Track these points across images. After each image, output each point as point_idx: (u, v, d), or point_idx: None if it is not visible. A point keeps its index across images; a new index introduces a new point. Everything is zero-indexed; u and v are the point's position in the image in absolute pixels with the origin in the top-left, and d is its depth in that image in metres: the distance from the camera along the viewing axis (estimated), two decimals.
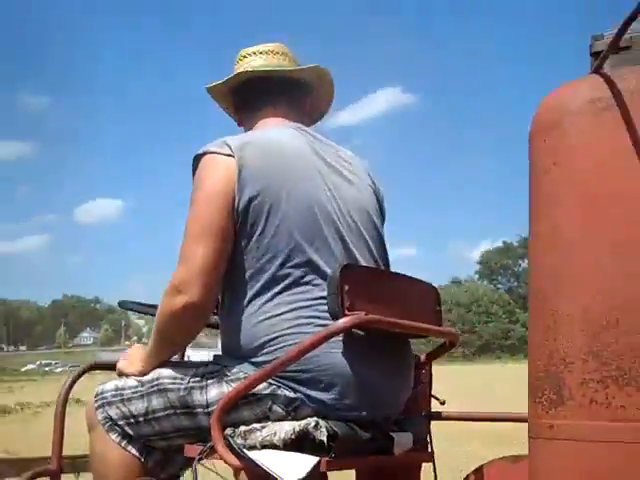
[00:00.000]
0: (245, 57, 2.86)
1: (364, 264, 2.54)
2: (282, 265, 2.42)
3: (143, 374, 2.54)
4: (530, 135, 1.86)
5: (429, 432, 2.83)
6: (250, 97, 2.82)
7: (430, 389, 2.95)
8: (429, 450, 2.78)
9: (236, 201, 2.42)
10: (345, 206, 2.58)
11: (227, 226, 2.41)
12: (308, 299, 2.41)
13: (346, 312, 2.25)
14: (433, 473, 2.81)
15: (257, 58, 2.83)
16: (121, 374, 2.61)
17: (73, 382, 2.78)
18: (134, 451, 2.53)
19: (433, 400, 2.98)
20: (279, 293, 2.42)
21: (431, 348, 2.79)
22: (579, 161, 1.76)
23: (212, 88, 2.89)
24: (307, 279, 2.42)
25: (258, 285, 2.43)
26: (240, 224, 2.43)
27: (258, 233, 2.43)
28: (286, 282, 2.42)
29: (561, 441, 1.69)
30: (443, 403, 2.94)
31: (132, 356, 2.62)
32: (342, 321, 2.22)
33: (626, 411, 1.61)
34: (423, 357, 2.80)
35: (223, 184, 2.43)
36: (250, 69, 2.80)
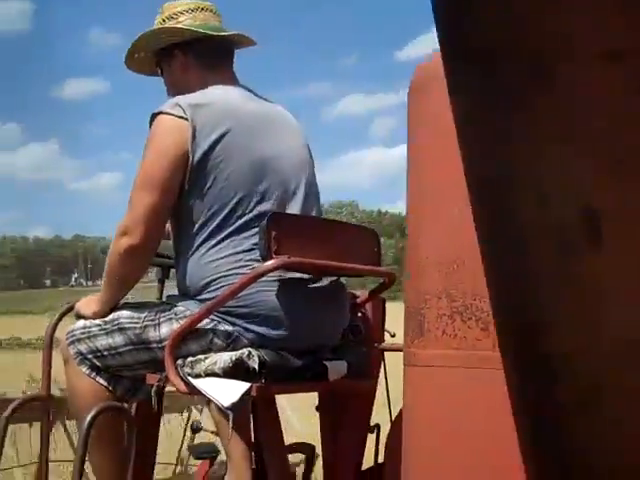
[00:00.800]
0: (185, 12, 2.98)
1: (302, 213, 2.81)
2: (228, 215, 2.72)
3: (98, 316, 2.87)
4: (407, 95, 2.08)
5: (383, 363, 3.13)
6: (206, 56, 3.03)
7: (383, 323, 3.23)
8: (379, 380, 3.07)
9: (190, 159, 2.70)
10: (288, 160, 2.84)
11: (171, 181, 2.71)
12: (249, 245, 2.70)
13: (273, 256, 2.53)
14: (387, 403, 3.12)
15: (199, 14, 2.99)
16: (78, 316, 2.94)
17: (59, 319, 3.13)
18: (102, 381, 2.86)
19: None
20: (224, 240, 2.72)
21: None
22: (443, 121, 1.98)
23: (150, 39, 3.01)
24: (249, 227, 2.71)
25: (206, 233, 2.73)
26: (192, 179, 2.72)
27: (207, 187, 2.72)
28: (230, 230, 2.72)
29: (421, 367, 1.95)
30: (393, 336, 3.21)
31: (89, 299, 2.96)
32: (267, 263, 2.52)
33: (467, 341, 1.87)
34: (364, 295, 3.06)
35: (172, 143, 2.71)
36: (211, 32, 3.00)
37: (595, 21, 0.89)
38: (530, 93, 0.93)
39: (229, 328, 2.66)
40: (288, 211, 2.77)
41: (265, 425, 2.79)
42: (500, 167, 1.04)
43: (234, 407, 2.48)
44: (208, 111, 2.76)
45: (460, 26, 0.95)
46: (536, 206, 1.01)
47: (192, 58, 3.01)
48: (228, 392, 2.50)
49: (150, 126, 2.81)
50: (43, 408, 3.12)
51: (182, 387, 2.59)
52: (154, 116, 2.80)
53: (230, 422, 2.50)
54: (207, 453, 3.34)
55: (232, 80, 3.02)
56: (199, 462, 3.43)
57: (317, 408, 3.17)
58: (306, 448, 3.34)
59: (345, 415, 3.06)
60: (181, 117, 2.73)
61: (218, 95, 2.87)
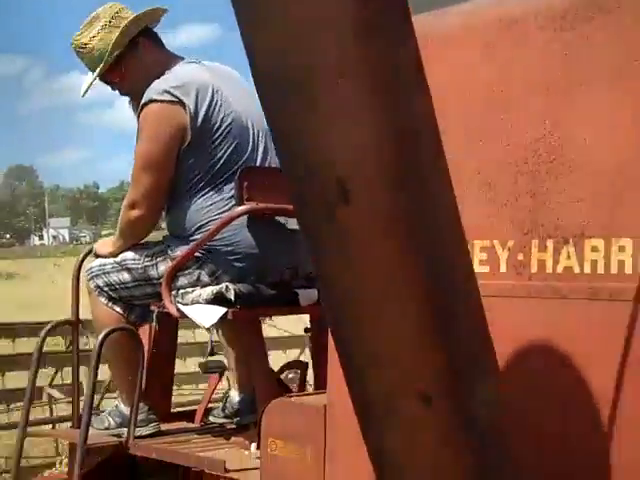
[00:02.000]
0: (122, 10, 3.42)
1: (268, 163, 3.30)
2: (216, 174, 3.25)
3: (111, 256, 3.44)
4: None
5: None
6: (157, 37, 3.52)
7: None
8: None
9: (186, 135, 3.22)
10: (258, 120, 3.32)
11: (168, 162, 3.26)
12: (232, 195, 3.21)
13: (244, 202, 3.04)
14: None
15: (125, 8, 3.46)
16: (97, 254, 3.51)
17: (83, 258, 3.70)
18: (118, 309, 3.44)
19: None
20: (210, 191, 3.26)
21: None
22: None
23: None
24: (232, 181, 3.21)
25: (196, 189, 3.27)
26: (186, 149, 3.23)
27: (199, 151, 3.25)
28: (217, 184, 3.24)
29: None
30: None
31: (106, 242, 3.54)
32: (239, 209, 3.04)
33: None
34: None
35: (167, 127, 3.25)
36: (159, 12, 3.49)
37: None
38: None
39: (213, 267, 3.20)
40: (258, 162, 3.27)
41: (250, 341, 3.34)
42: None
43: (212, 326, 3.05)
44: (191, 89, 3.25)
45: None
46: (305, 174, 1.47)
47: (152, 41, 3.50)
48: (209, 316, 3.05)
49: (139, 114, 3.30)
50: (73, 331, 3.72)
51: (175, 312, 3.16)
52: (144, 105, 3.28)
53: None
54: (216, 368, 3.92)
55: (174, 55, 3.50)
56: None
57: (306, 330, 3.68)
58: (300, 365, 3.88)
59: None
60: (172, 101, 3.22)
61: (187, 73, 3.36)
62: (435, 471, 1.58)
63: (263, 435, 2.73)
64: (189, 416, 3.93)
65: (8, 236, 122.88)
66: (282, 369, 3.84)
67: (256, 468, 2.78)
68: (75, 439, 3.27)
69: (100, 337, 3.23)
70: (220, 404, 3.85)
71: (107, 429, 3.53)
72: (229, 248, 3.19)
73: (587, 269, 1.85)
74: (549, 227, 1.92)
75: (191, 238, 3.26)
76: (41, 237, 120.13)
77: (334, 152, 1.38)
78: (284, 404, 2.75)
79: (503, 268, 2.00)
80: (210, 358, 4.01)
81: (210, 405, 3.97)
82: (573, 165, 1.88)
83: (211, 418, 3.79)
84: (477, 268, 2.05)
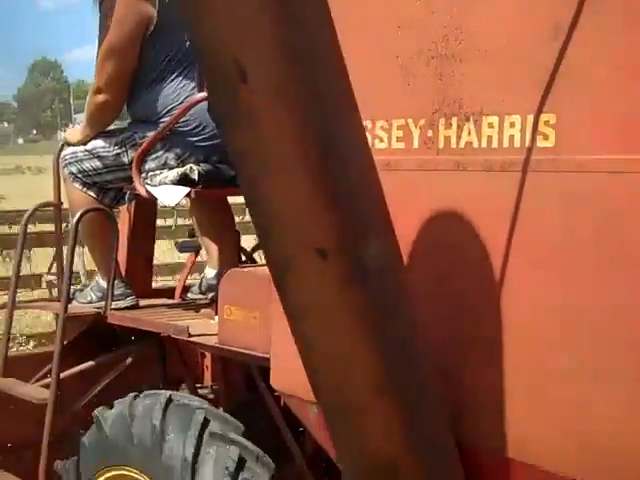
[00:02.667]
0: None
1: None
2: (180, 61, 3.47)
3: (80, 143, 3.65)
4: None
5: None
6: None
7: None
8: None
9: (148, 25, 3.39)
10: None
11: (131, 47, 3.44)
12: (193, 82, 3.42)
13: (204, 89, 3.23)
14: None
15: None
16: (67, 143, 3.72)
17: (60, 149, 3.90)
18: (92, 193, 3.67)
19: None
20: (176, 77, 3.47)
21: None
22: None
23: None
24: (193, 70, 3.41)
25: (161, 76, 3.49)
26: (150, 38, 3.43)
27: (163, 42, 3.45)
28: (181, 70, 3.43)
29: None
30: None
31: (75, 130, 3.74)
32: (198, 95, 3.24)
33: None
34: None
35: (132, 17, 3.39)
36: None
37: None
38: None
39: (179, 150, 3.42)
40: None
41: (219, 220, 3.59)
42: None
43: (176, 204, 3.29)
44: None
45: None
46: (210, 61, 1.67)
47: None
48: (173, 195, 3.29)
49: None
50: (56, 213, 3.97)
51: (144, 193, 3.40)
52: None
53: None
54: (191, 247, 4.19)
55: None
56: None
57: None
58: None
59: None
60: None
61: None
62: (335, 313, 1.82)
63: (220, 302, 3.01)
64: (169, 293, 4.21)
65: (35, 132, 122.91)
66: (254, 249, 4.09)
67: (217, 334, 3.06)
68: (57, 310, 3.55)
69: (76, 217, 3.48)
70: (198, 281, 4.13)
71: (90, 302, 3.81)
72: (193, 131, 3.40)
73: (484, 144, 2.06)
74: (454, 106, 2.12)
75: (157, 122, 3.47)
76: None
77: (229, 35, 1.58)
78: (238, 274, 3.01)
79: (416, 144, 2.21)
80: (187, 239, 4.29)
81: (189, 283, 4.26)
82: (475, 51, 2.07)
83: (189, 295, 4.06)
84: (394, 145, 2.27)
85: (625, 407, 1.80)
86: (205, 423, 2.83)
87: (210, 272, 3.95)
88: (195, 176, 3.32)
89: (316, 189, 1.72)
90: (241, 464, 2.75)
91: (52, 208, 4.03)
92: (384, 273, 1.84)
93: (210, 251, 3.89)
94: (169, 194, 3.30)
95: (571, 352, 1.89)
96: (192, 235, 4.57)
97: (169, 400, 2.96)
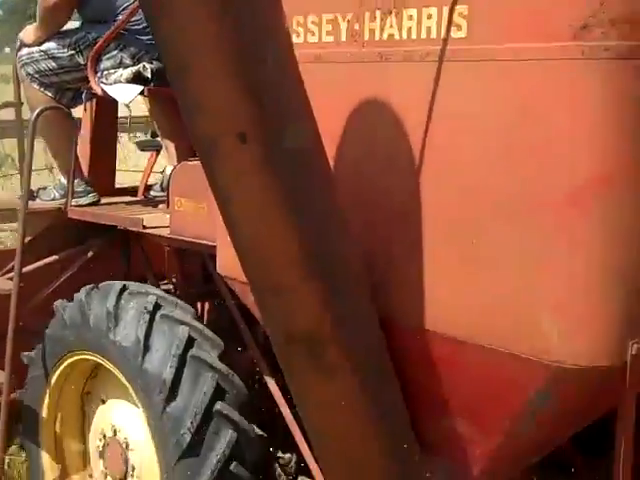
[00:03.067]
0: None
1: None
2: None
3: (35, 43, 3.70)
4: None
5: None
6: None
7: None
8: None
9: None
10: None
11: None
12: None
13: None
14: None
15: None
16: (22, 43, 3.77)
17: (21, 45, 3.94)
18: (50, 93, 3.74)
19: None
20: None
21: None
22: None
23: None
24: None
25: None
26: None
27: None
28: None
29: None
30: None
31: (29, 30, 3.77)
32: None
33: None
34: None
35: None
36: None
37: None
38: None
39: (134, 49, 3.49)
40: None
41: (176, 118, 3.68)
42: None
43: (130, 101, 3.38)
44: None
45: None
46: None
47: None
48: (127, 93, 3.38)
49: None
50: (16, 112, 4.05)
51: (100, 92, 3.49)
52: None
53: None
54: (151, 146, 4.29)
55: None
56: None
57: None
58: None
59: None
60: None
61: None
62: (256, 195, 1.95)
63: (171, 195, 3.13)
64: (132, 192, 4.33)
65: None
66: None
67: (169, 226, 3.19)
68: (19, 206, 3.66)
69: (34, 114, 3.55)
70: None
71: (53, 200, 3.92)
72: (146, 29, 3.45)
73: (404, 36, 2.15)
74: (378, 0, 2.20)
75: (110, 22, 3.52)
76: None
77: None
78: (187, 167, 3.13)
79: (344, 37, 2.30)
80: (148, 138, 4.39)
81: (152, 182, 4.37)
82: None
83: (151, 192, 4.18)
84: (325, 38, 2.36)
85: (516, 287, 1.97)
86: (156, 306, 2.99)
87: (170, 169, 4.06)
88: (148, 74, 3.40)
89: (235, 75, 1.83)
90: (190, 343, 2.91)
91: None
92: (302, 157, 1.97)
93: (169, 149, 3.98)
94: (123, 92, 3.39)
95: (479, 234, 2.04)
96: (154, 135, 4.66)
97: (123, 288, 3.11)
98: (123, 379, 3.09)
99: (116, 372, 3.12)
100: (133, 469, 3.22)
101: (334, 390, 2.17)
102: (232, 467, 2.84)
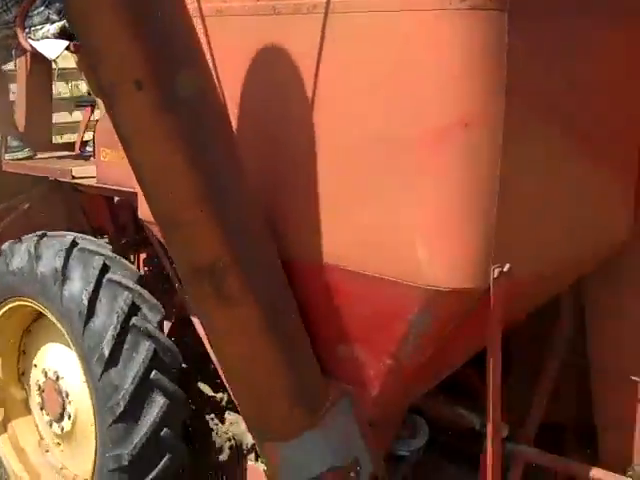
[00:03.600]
0: None
1: None
2: None
3: None
4: None
5: None
6: None
7: None
8: None
9: None
10: None
11: None
12: None
13: None
14: None
15: None
16: None
17: None
18: None
19: None
20: None
21: None
22: None
23: None
24: None
25: None
26: None
27: None
28: None
29: None
30: None
31: None
32: None
33: None
34: None
35: None
36: None
37: None
38: None
39: (59, 5, 3.62)
40: None
41: None
42: None
43: (57, 56, 3.51)
44: None
45: None
46: None
47: None
48: (54, 49, 3.51)
49: None
50: None
51: (28, 47, 3.62)
52: None
53: None
54: (86, 102, 4.42)
55: None
56: None
57: None
58: None
59: None
60: None
61: None
62: (154, 139, 2.12)
63: (96, 146, 3.29)
64: (69, 147, 4.45)
65: None
66: None
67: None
68: None
69: None
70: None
71: None
72: None
73: None
74: None
75: None
76: None
77: None
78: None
79: None
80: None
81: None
82: None
83: (87, 148, 4.31)
84: None
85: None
86: (104, 269, 3.07)
87: None
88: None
89: (130, 27, 1.98)
90: (133, 311, 3.00)
91: None
92: (197, 102, 2.14)
93: (100, 103, 4.12)
94: (50, 47, 3.52)
95: (362, 172, 2.23)
96: (89, 93, 4.78)
97: (73, 244, 3.17)
98: (65, 335, 3.19)
99: (59, 326, 3.21)
100: (69, 416, 3.37)
101: (236, 318, 2.36)
102: (163, 433, 2.99)
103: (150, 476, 2.98)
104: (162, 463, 3.00)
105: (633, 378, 2.71)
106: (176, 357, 3.09)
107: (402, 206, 2.14)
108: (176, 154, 2.12)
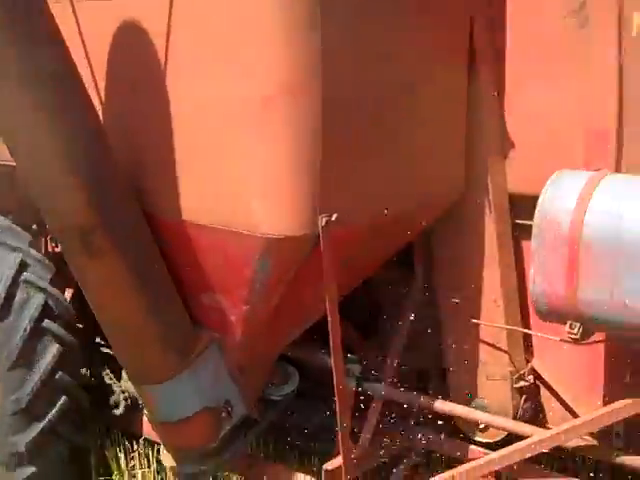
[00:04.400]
0: None
1: None
2: None
3: None
4: None
5: None
6: None
7: None
8: None
9: None
10: None
11: None
12: None
13: None
14: None
15: None
16: None
17: None
18: None
19: None
20: None
21: None
22: None
23: None
24: None
25: None
26: None
27: None
28: None
29: None
30: None
31: None
32: None
33: None
34: None
35: None
36: None
37: None
38: None
39: None
40: None
41: None
42: None
43: None
44: None
45: None
46: None
47: None
48: None
49: None
50: None
51: None
52: None
53: None
54: None
55: None
56: None
57: None
58: None
59: None
60: None
61: None
62: (17, 114, 2.40)
63: None
64: None
65: None
66: None
67: None
68: None
69: None
70: None
71: None
72: None
73: None
74: None
75: None
76: None
77: None
78: None
79: None
80: None
81: None
82: None
83: None
84: None
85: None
86: None
87: None
88: None
89: None
90: (23, 268, 3.21)
91: None
92: (57, 78, 2.42)
93: None
94: None
95: (204, 134, 2.52)
96: None
97: None
98: None
99: None
100: None
101: (105, 272, 2.64)
102: (57, 376, 3.23)
103: (49, 417, 3.22)
104: (59, 404, 3.24)
105: (473, 321, 3.05)
106: (67, 308, 3.33)
107: (239, 163, 2.44)
108: (40, 126, 2.40)
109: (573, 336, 2.45)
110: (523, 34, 2.85)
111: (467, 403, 3.11)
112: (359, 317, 3.53)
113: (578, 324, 2.43)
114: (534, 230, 2.49)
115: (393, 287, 3.37)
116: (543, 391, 3.12)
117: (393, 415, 3.28)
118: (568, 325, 2.45)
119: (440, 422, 3.20)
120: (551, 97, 2.81)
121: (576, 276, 2.38)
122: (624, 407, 2.60)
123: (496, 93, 2.90)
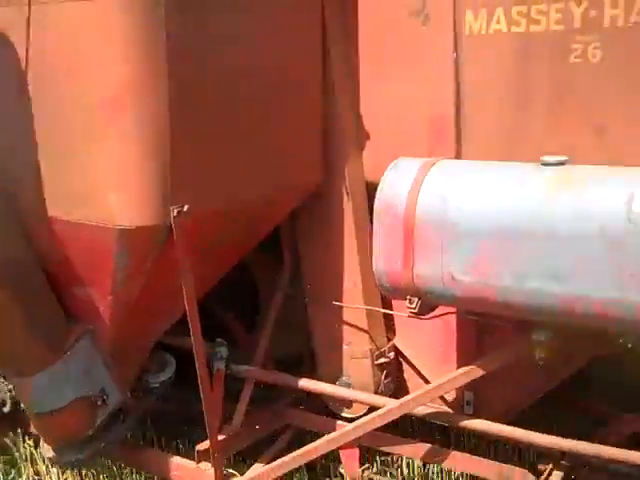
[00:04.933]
0: None
1: None
2: None
3: None
4: None
5: None
6: None
7: None
8: None
9: None
10: None
11: None
12: None
13: None
14: None
15: None
16: None
17: None
18: None
19: None
20: None
21: None
22: None
23: None
24: None
25: None
26: None
27: None
28: None
29: None
30: None
31: None
32: None
33: None
34: None
35: None
36: None
37: None
38: None
39: None
40: None
41: None
42: None
43: None
44: None
45: None
46: None
47: None
48: None
49: None
50: None
51: None
52: None
53: None
54: None
55: None
56: None
57: None
58: None
59: None
60: None
61: None
62: None
63: None
64: None
65: None
66: None
67: None
68: None
69: None
70: None
71: None
72: None
73: None
74: None
75: None
76: None
77: None
78: None
79: None
80: None
81: None
82: None
83: None
84: None
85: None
86: None
87: None
88: None
89: None
90: None
91: None
92: None
93: None
94: None
95: (71, 134, 2.63)
96: None
97: None
98: None
99: None
100: None
101: None
102: None
103: None
104: None
105: (335, 303, 3.23)
106: None
107: (95, 160, 2.57)
108: None
109: (412, 310, 2.64)
110: (373, 24, 3.04)
111: (334, 382, 3.29)
112: (241, 302, 3.71)
113: (416, 299, 2.63)
114: (375, 214, 2.68)
115: (269, 271, 3.54)
116: (405, 367, 3.33)
117: (268, 396, 3.45)
118: (408, 300, 2.64)
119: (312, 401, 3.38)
120: (399, 87, 3.01)
121: (412, 254, 2.57)
122: (460, 375, 2.80)
123: (350, 80, 3.08)
